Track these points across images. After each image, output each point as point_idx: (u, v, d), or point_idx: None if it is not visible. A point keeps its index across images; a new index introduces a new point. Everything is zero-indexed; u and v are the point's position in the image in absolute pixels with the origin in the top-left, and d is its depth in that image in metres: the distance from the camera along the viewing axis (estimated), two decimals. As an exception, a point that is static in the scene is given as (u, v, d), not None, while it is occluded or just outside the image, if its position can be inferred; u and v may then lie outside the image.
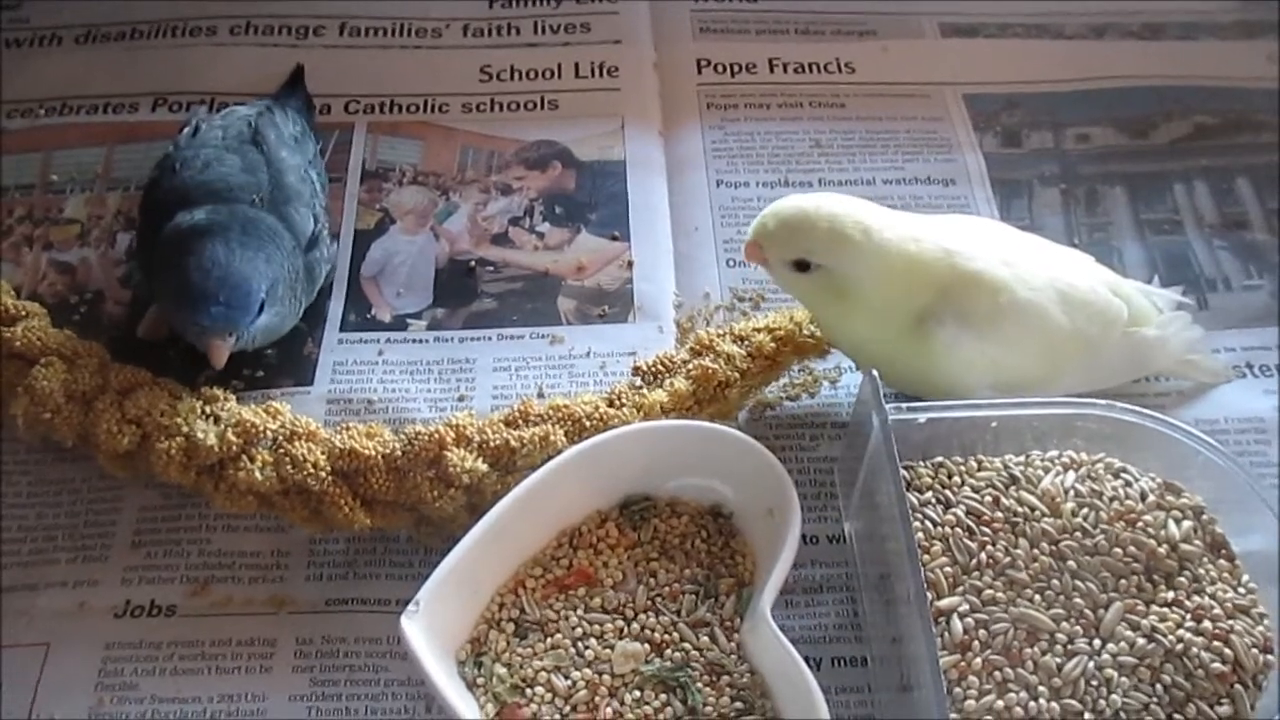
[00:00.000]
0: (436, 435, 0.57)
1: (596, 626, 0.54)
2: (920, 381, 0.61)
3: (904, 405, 0.55)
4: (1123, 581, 0.52)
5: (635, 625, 0.54)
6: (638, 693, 0.52)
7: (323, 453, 0.58)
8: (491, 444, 0.58)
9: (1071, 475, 0.55)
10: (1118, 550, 0.52)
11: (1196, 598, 0.51)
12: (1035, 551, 0.52)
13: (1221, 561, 0.53)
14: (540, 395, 0.67)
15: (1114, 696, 0.49)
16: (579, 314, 0.72)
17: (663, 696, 0.52)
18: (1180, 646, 0.50)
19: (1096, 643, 0.50)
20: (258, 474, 0.57)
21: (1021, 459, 0.56)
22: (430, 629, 0.51)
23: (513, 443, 0.58)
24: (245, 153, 0.67)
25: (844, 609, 0.59)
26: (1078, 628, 0.51)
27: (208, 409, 0.60)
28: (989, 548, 0.52)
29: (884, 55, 0.87)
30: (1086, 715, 0.49)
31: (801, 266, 0.59)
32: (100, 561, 0.61)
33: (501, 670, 0.53)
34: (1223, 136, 0.82)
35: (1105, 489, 0.54)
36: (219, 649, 0.58)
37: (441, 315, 0.71)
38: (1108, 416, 0.56)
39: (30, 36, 0.87)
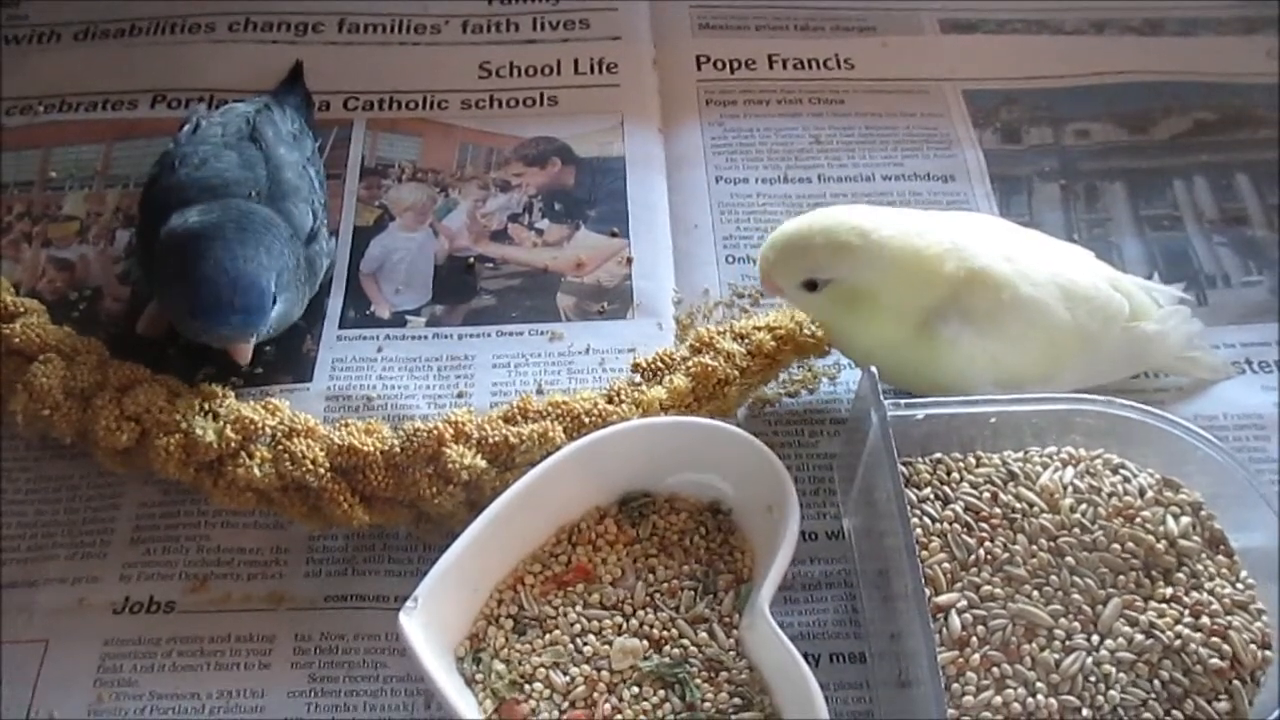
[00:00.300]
0: (435, 432, 0.57)
1: (595, 623, 0.54)
2: (927, 382, 0.60)
3: (903, 401, 0.55)
4: (1121, 577, 0.52)
5: (634, 621, 0.54)
6: (636, 689, 0.53)
7: (322, 449, 0.58)
8: (490, 441, 0.58)
9: (1070, 471, 0.55)
10: (1116, 546, 0.52)
11: (1195, 594, 0.51)
12: (1034, 547, 0.52)
13: (1220, 557, 0.53)
14: (539, 392, 0.67)
15: (1112, 692, 0.49)
16: (578, 310, 0.71)
17: (661, 692, 0.52)
18: (1179, 642, 0.50)
19: (1095, 639, 0.50)
20: (256, 470, 0.57)
21: (1020, 455, 0.56)
22: (429, 625, 0.51)
23: (512, 439, 0.58)
24: (243, 149, 0.67)
25: (842, 605, 0.59)
26: (1076, 624, 0.51)
27: (206, 405, 0.60)
28: (987, 544, 0.52)
29: (883, 51, 0.87)
30: (1085, 711, 0.49)
31: (811, 286, 0.59)
32: (99, 558, 0.61)
33: (500, 666, 0.53)
34: (1222, 132, 0.82)
35: (1104, 485, 0.54)
36: (218, 645, 0.58)
37: (440, 312, 0.71)
38: (1106, 412, 0.56)
39: (29, 33, 0.87)
